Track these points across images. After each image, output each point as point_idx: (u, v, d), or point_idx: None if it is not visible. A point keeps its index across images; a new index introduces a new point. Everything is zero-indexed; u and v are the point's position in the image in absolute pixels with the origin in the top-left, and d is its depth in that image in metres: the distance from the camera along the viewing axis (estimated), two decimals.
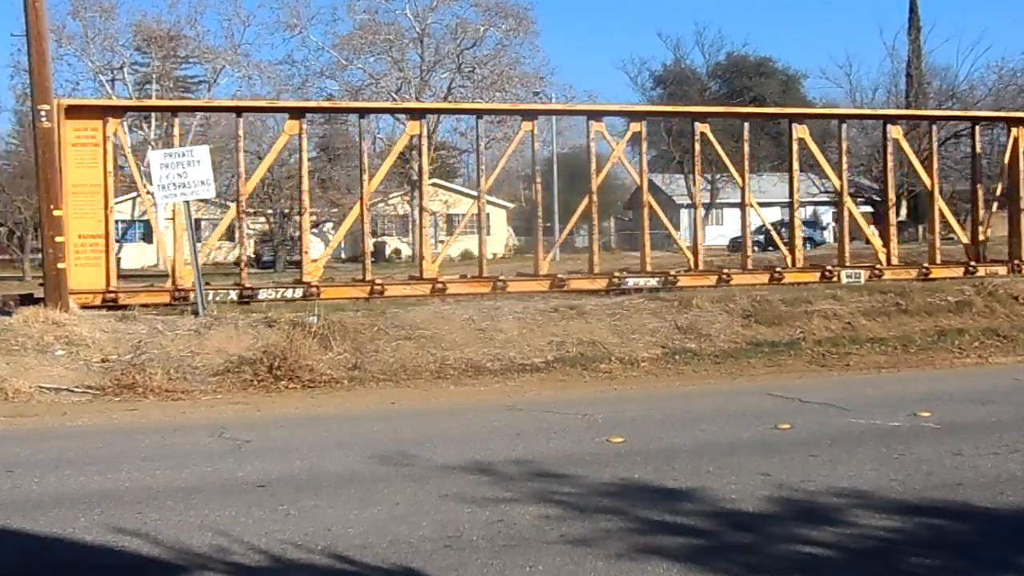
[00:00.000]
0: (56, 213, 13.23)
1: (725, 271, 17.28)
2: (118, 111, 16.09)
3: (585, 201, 16.80)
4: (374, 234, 48.40)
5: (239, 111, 17.00)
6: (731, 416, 9.44)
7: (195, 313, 13.41)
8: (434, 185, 43.74)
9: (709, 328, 14.24)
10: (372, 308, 14.46)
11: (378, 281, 15.85)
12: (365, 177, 16.46)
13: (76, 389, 11.42)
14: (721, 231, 49.36)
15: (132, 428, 9.48)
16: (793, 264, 17.65)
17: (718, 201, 50.77)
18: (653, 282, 16.49)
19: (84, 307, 13.70)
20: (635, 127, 17.17)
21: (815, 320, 14.72)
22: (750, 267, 17.43)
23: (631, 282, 16.43)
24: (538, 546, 5.43)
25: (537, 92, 40.56)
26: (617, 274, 16.82)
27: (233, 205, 17.18)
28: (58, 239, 13.22)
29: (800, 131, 17.74)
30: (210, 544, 5.52)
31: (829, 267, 17.63)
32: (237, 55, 40.00)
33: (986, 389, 10.81)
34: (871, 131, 32.22)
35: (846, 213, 18.43)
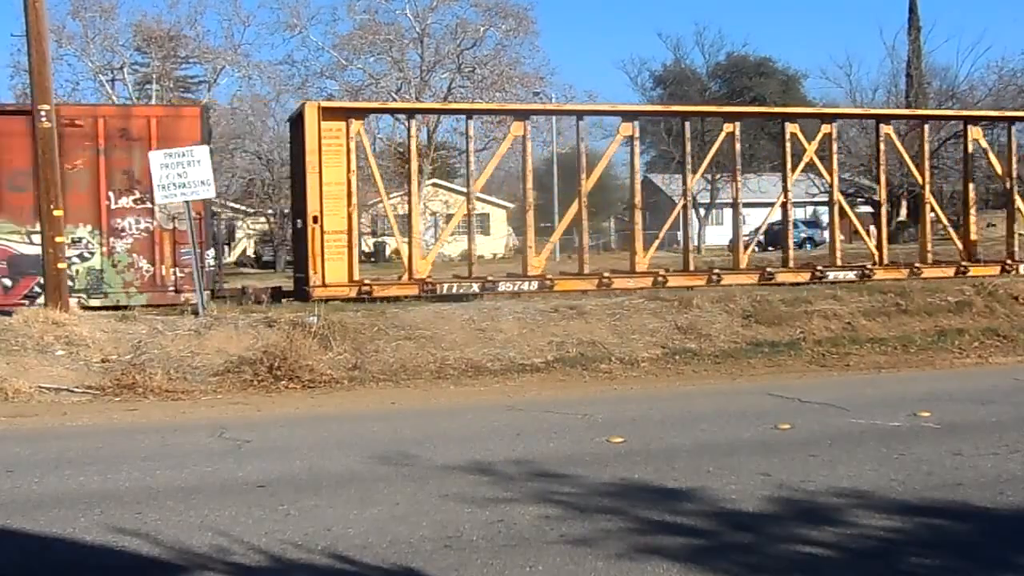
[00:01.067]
0: (56, 213, 13.22)
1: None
2: (360, 112, 16.91)
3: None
4: (373, 234, 48.43)
5: (470, 113, 18.22)
6: (731, 416, 9.44)
7: (195, 313, 13.42)
8: (433, 185, 43.76)
9: (709, 328, 14.25)
10: (372, 308, 14.47)
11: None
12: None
13: (76, 389, 11.42)
14: (722, 231, 49.38)
15: (132, 428, 9.48)
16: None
17: (718, 201, 50.80)
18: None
19: (335, 300, 14.87)
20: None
21: (815, 320, 14.73)
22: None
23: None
24: (538, 546, 5.43)
25: (537, 92, 40.54)
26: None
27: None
28: (58, 239, 13.21)
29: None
30: (210, 544, 5.53)
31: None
32: (237, 55, 40.01)
33: (986, 389, 10.81)
34: (871, 131, 32.30)
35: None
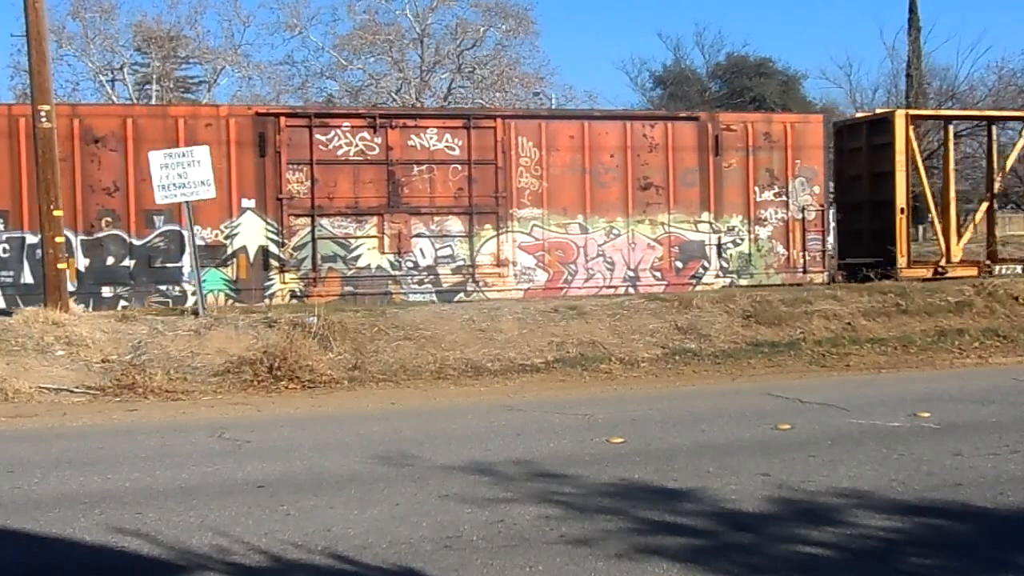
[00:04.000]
0: (56, 213, 13.23)
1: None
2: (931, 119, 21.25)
3: None
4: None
5: (991, 121, 20.92)
6: (731, 416, 9.44)
7: (195, 313, 13.42)
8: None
9: (709, 328, 14.25)
10: (371, 308, 14.48)
11: None
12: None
13: (76, 389, 11.42)
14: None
15: (132, 428, 9.48)
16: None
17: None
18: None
19: (917, 280, 17.39)
20: None
21: (815, 320, 14.73)
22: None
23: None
24: (538, 546, 5.43)
25: (537, 92, 40.51)
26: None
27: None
28: (58, 239, 13.22)
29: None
30: (210, 544, 5.53)
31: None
32: (237, 55, 39.90)
33: (986, 389, 10.82)
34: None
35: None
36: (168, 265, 15.43)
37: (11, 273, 14.83)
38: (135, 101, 37.73)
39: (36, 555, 5.53)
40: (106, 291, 15.16)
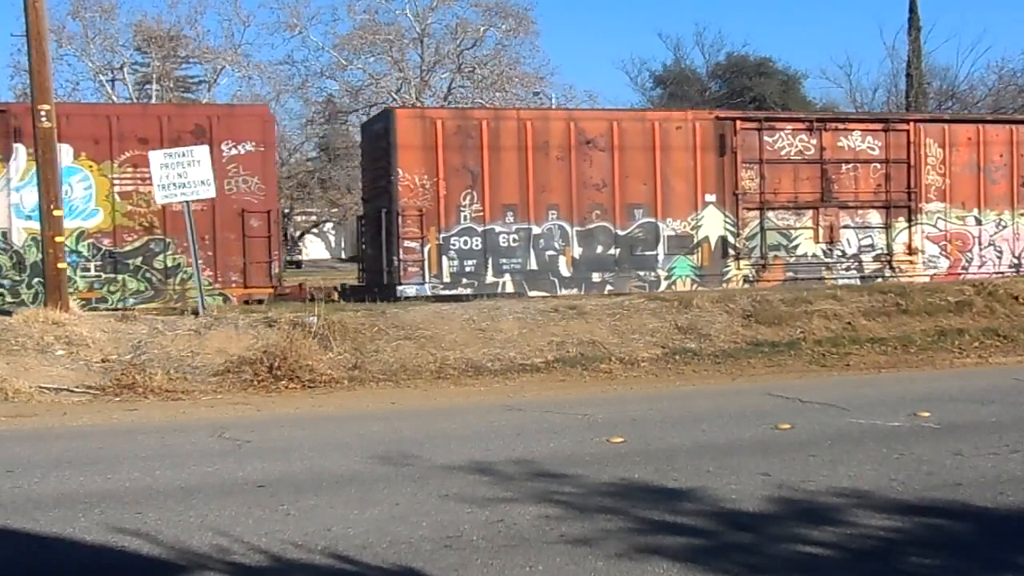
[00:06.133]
0: (56, 213, 13.23)
1: None
2: None
3: None
4: None
5: None
6: (731, 416, 9.44)
7: (195, 313, 13.42)
8: None
9: (709, 328, 14.25)
10: (372, 308, 14.47)
11: None
12: None
13: (76, 389, 11.42)
14: None
15: (132, 428, 9.48)
16: None
17: None
18: None
19: None
20: None
21: (815, 320, 14.74)
22: None
23: None
24: (538, 546, 5.43)
25: (537, 92, 40.51)
26: None
27: None
28: (58, 239, 13.22)
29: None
30: (210, 544, 5.52)
31: None
32: (237, 55, 39.88)
33: (986, 389, 10.82)
34: None
35: None
36: (646, 253, 17.54)
37: (519, 260, 16.99)
38: (135, 101, 37.66)
39: (36, 555, 5.53)
40: (595, 276, 17.27)
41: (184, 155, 13.55)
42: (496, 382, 12.28)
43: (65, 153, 15.08)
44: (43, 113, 13.15)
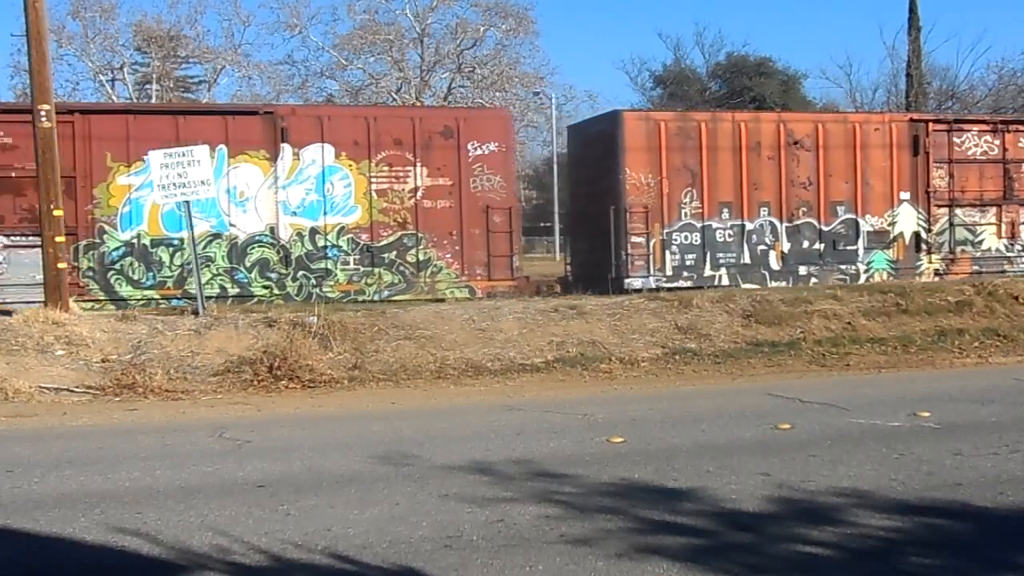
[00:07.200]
0: (56, 213, 13.22)
1: None
2: None
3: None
4: None
5: None
6: (731, 416, 9.44)
7: (195, 313, 13.42)
8: None
9: (709, 328, 14.25)
10: (371, 308, 14.47)
11: None
12: None
13: (76, 389, 11.42)
14: None
15: (132, 428, 9.48)
16: None
17: None
18: None
19: None
20: None
21: (815, 320, 14.73)
22: None
23: None
24: (538, 546, 5.43)
25: (537, 92, 40.54)
26: None
27: None
28: (58, 239, 13.21)
29: None
30: (210, 544, 5.52)
31: None
32: (237, 55, 39.89)
33: (986, 389, 10.82)
34: None
35: None
36: (847, 248, 18.56)
37: (733, 255, 17.89)
38: (135, 101, 37.66)
39: (36, 555, 5.53)
40: (802, 270, 18.28)
41: (184, 155, 13.53)
42: (496, 382, 12.27)
43: (327, 153, 16.41)
44: (43, 113, 13.14)
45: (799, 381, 12.09)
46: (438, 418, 9.89)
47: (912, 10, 43.28)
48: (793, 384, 11.73)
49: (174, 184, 13.39)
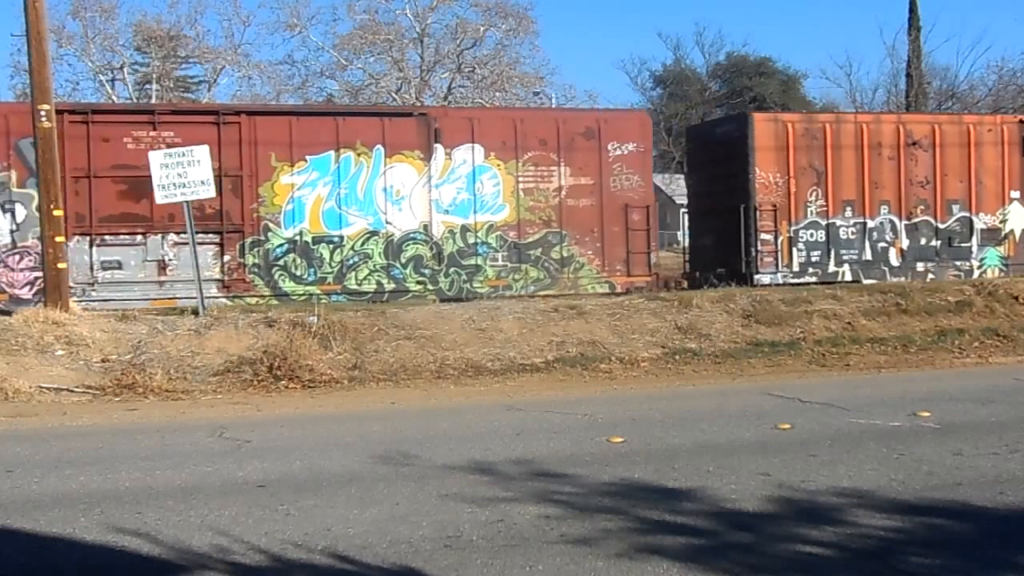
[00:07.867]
0: (56, 213, 13.23)
1: None
2: None
3: None
4: None
5: None
6: (731, 416, 9.44)
7: (195, 313, 13.42)
8: None
9: (709, 328, 14.25)
10: (371, 308, 14.47)
11: None
12: None
13: (76, 389, 11.42)
14: None
15: (132, 428, 9.48)
16: None
17: None
18: None
19: None
20: None
21: (815, 320, 14.73)
22: None
23: None
24: (538, 546, 5.43)
25: (537, 92, 40.49)
26: None
27: None
28: (58, 239, 13.21)
29: None
30: (210, 544, 5.52)
31: None
32: (237, 55, 39.84)
33: (986, 389, 10.82)
34: None
35: None
36: (961, 245, 19.12)
37: (856, 251, 18.45)
38: (135, 100, 37.65)
39: (36, 555, 5.53)
40: (919, 266, 18.81)
41: (184, 155, 13.53)
42: (496, 382, 12.27)
43: (477, 153, 16.88)
44: (43, 113, 13.14)
45: (799, 381, 12.09)
46: (438, 418, 9.89)
47: (912, 10, 43.28)
48: (793, 384, 11.73)
49: (174, 184, 13.39)
